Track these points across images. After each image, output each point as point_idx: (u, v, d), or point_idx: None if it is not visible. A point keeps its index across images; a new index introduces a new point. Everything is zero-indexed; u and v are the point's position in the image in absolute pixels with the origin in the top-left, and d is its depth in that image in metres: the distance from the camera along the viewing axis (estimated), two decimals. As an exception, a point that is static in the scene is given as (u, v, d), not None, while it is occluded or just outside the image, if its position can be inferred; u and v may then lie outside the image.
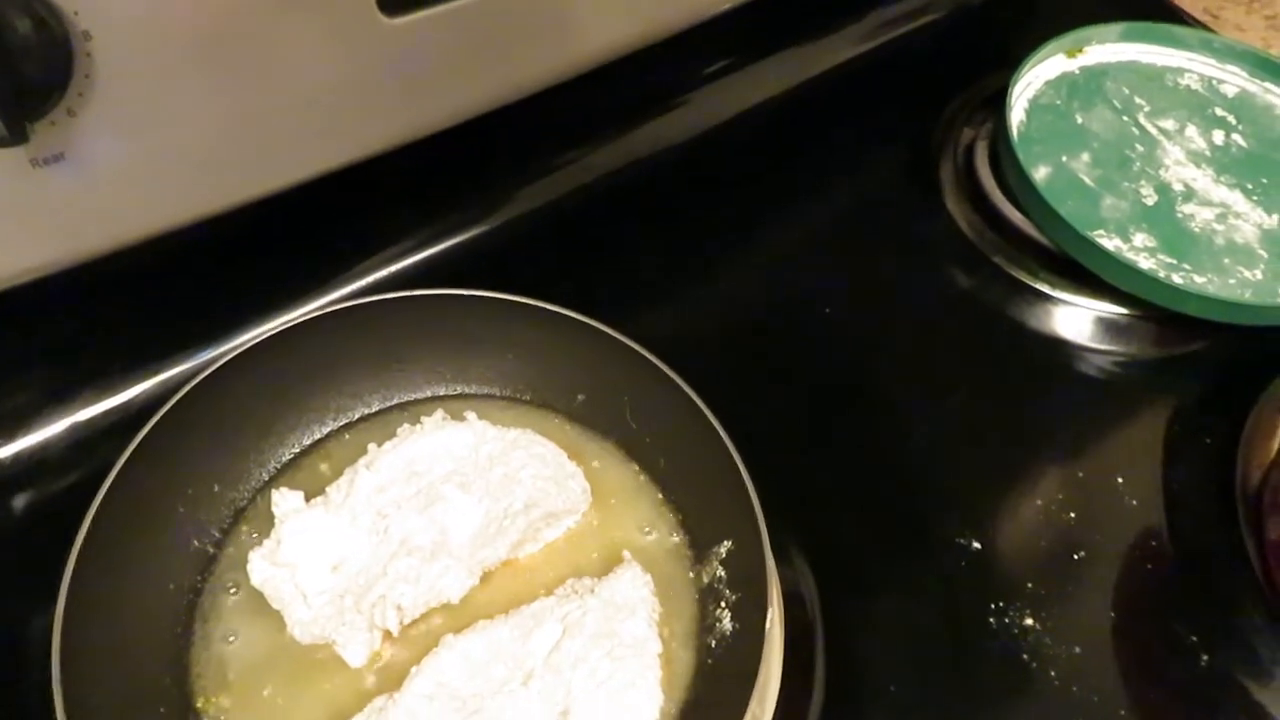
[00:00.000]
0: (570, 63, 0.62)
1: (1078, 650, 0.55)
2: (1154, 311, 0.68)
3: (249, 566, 0.49)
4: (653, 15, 0.65)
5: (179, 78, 0.47)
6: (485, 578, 0.52)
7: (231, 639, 0.49)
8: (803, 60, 0.85)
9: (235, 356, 0.52)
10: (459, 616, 0.50)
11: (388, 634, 0.49)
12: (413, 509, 0.51)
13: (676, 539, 0.54)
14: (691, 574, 0.53)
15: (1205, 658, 0.55)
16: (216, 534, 0.53)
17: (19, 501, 0.55)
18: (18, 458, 0.56)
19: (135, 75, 0.45)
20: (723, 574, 0.51)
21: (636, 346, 0.54)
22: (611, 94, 0.76)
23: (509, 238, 0.70)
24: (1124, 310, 0.69)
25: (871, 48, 0.88)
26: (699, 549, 0.53)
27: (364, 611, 0.48)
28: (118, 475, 0.47)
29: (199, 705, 0.47)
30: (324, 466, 0.55)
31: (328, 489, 0.52)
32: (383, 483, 0.51)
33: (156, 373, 0.59)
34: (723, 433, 0.50)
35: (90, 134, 0.45)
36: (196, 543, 0.52)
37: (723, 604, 0.51)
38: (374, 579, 0.49)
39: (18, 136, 0.41)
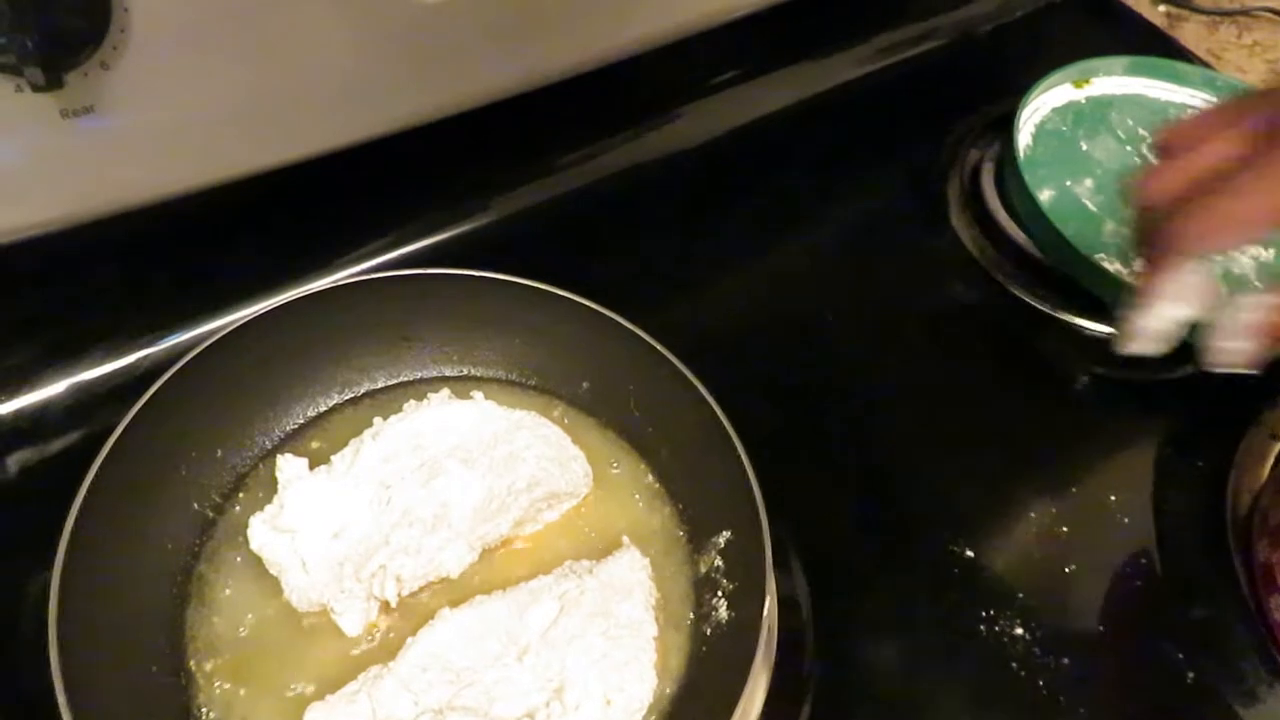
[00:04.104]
0: (594, 53, 0.63)
1: (1066, 662, 0.55)
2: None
3: (249, 530, 0.49)
4: (675, 11, 0.66)
5: (213, 39, 0.47)
6: (483, 556, 0.52)
7: (228, 602, 0.49)
8: (813, 75, 0.86)
9: (245, 323, 0.52)
10: (456, 591, 0.50)
11: (385, 605, 0.49)
12: (415, 481, 0.51)
13: (675, 527, 0.54)
14: (689, 563, 0.53)
15: (1191, 675, 0.55)
16: (217, 498, 0.53)
17: (18, 458, 0.55)
18: (19, 415, 0.56)
19: (170, 33, 0.46)
20: (720, 564, 0.52)
21: (644, 335, 0.54)
22: (627, 96, 0.77)
23: (520, 227, 0.70)
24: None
25: (880, 68, 0.89)
26: (698, 538, 0.53)
27: (363, 580, 0.48)
28: (122, 433, 0.47)
29: (191, 666, 0.47)
30: (327, 438, 0.55)
31: (332, 457, 0.52)
32: (387, 454, 0.51)
33: (164, 337, 0.60)
34: (727, 424, 0.51)
35: (122, 89, 0.46)
36: (196, 506, 0.52)
37: (719, 593, 0.51)
38: (374, 548, 0.49)
39: (53, 83, 0.41)
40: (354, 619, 0.48)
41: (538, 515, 0.53)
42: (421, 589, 0.50)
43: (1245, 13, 0.98)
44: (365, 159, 0.58)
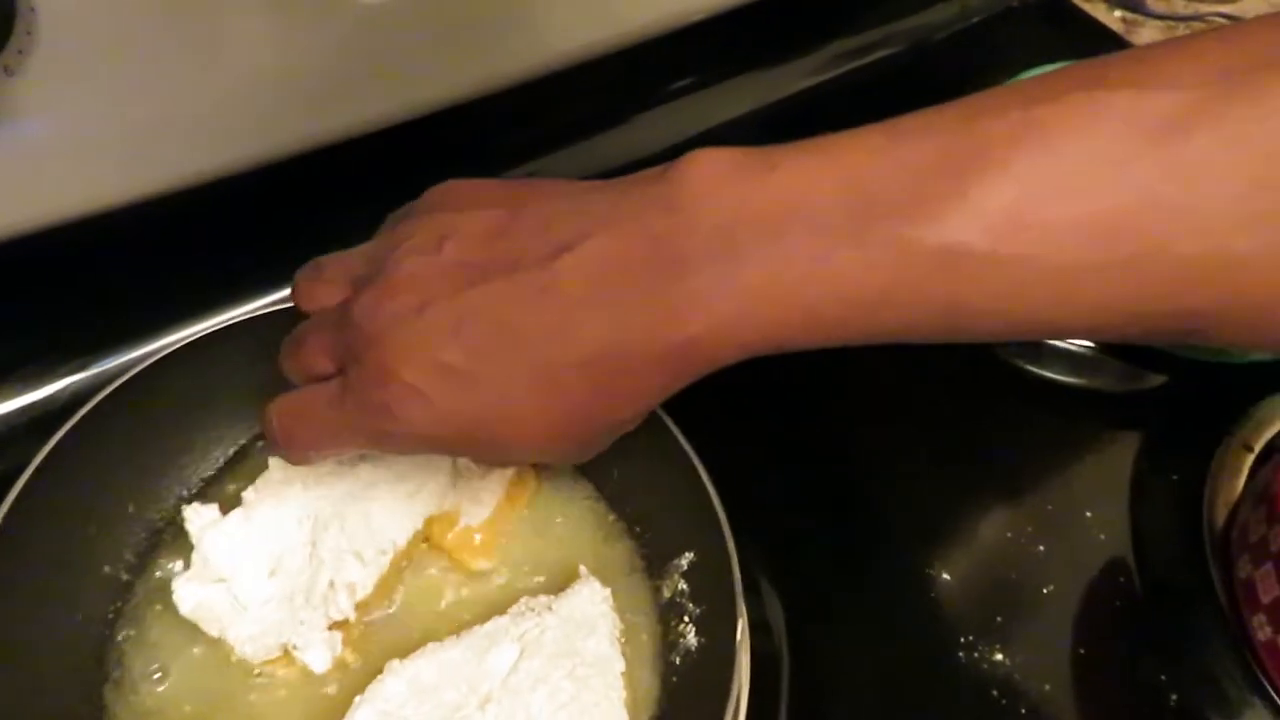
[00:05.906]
0: (544, 59, 0.60)
1: (1048, 688, 0.53)
2: (1122, 346, 0.67)
3: (176, 595, 0.45)
4: (627, 18, 0.64)
5: (133, 43, 0.44)
6: (428, 598, 0.49)
7: (154, 675, 0.45)
8: (768, 83, 0.84)
9: (157, 361, 0.48)
10: (405, 644, 0.46)
11: (347, 635, 0.46)
12: (334, 484, 0.47)
13: (632, 553, 0.51)
14: (650, 590, 0.50)
15: (1174, 697, 0.54)
16: (131, 558, 0.48)
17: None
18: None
19: (84, 35, 0.42)
20: (684, 587, 0.49)
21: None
22: (577, 105, 0.75)
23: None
24: (1092, 345, 0.68)
25: (835, 76, 0.87)
26: (657, 563, 0.50)
27: (318, 606, 0.44)
28: (20, 492, 0.42)
29: (117, 754, 0.43)
30: (249, 477, 0.50)
31: (242, 494, 0.48)
32: (294, 474, 0.48)
33: (81, 369, 0.55)
34: (683, 439, 0.48)
35: (29, 97, 0.42)
36: (109, 568, 0.47)
37: (686, 619, 0.48)
38: (318, 567, 0.45)
39: (-56, 91, 0.37)
40: (319, 653, 0.44)
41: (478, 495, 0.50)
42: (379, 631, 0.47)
43: (1199, 18, 0.99)
44: (300, 172, 0.55)
